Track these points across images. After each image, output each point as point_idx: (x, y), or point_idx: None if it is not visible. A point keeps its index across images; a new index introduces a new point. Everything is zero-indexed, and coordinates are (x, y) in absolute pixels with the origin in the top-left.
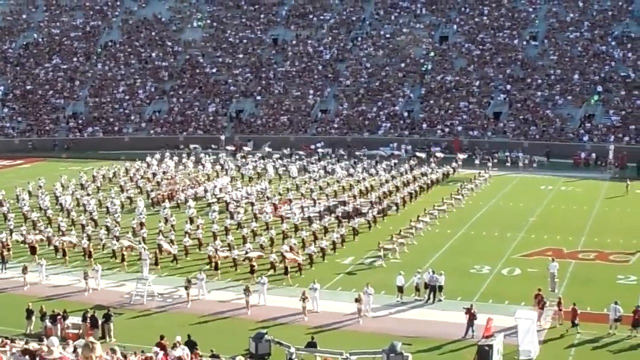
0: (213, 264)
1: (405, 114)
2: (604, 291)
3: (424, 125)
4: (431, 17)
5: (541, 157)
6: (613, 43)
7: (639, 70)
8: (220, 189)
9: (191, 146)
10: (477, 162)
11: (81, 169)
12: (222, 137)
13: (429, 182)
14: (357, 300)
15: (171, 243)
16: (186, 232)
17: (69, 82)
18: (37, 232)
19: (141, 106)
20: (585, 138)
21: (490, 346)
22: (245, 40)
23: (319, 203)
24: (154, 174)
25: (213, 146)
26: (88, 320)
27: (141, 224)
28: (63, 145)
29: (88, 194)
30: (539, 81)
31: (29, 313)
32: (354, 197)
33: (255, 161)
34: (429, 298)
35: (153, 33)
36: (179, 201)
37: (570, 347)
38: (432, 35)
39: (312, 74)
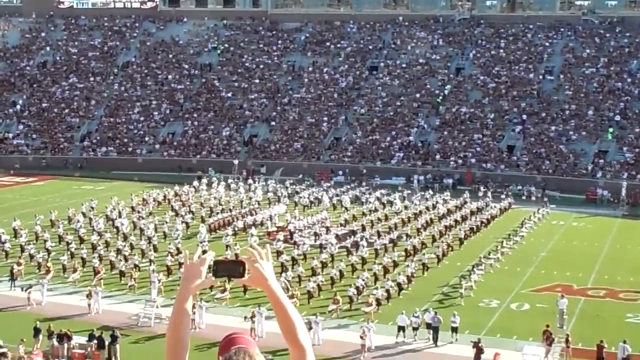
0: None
1: (419, 144)
2: (613, 329)
3: (437, 156)
4: (447, 49)
5: (553, 192)
6: (629, 80)
7: None
8: (277, 217)
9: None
10: (489, 195)
11: (132, 192)
12: (236, 162)
13: (489, 217)
14: (362, 337)
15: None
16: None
17: (85, 102)
18: (98, 255)
19: (156, 128)
20: (599, 174)
21: None
22: (261, 66)
23: (383, 236)
24: (205, 200)
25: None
26: (94, 341)
27: (177, 249)
28: (76, 164)
29: (142, 218)
30: (554, 115)
31: (36, 331)
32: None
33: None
34: (434, 340)
35: (170, 55)
36: (236, 229)
37: None
38: (448, 66)
39: (327, 101)
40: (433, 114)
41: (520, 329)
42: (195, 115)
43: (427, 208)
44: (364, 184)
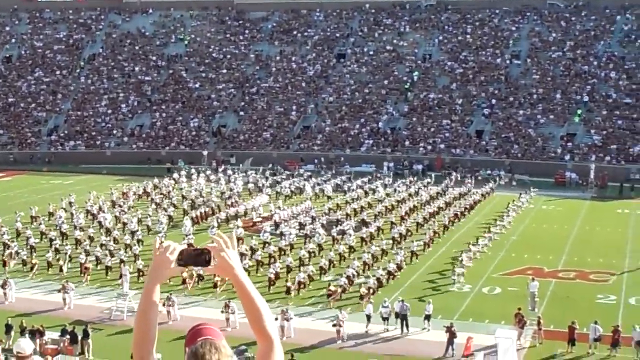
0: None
1: (388, 131)
2: (584, 310)
3: (407, 143)
4: (414, 35)
5: (522, 175)
6: (595, 63)
7: (621, 90)
8: (261, 208)
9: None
10: (458, 179)
11: (113, 186)
12: (205, 153)
13: (472, 202)
14: (335, 325)
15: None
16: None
17: (51, 96)
18: (84, 251)
19: (123, 120)
20: (567, 157)
21: None
22: (229, 56)
23: (370, 224)
24: (186, 192)
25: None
26: (67, 336)
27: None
28: (44, 159)
29: (124, 212)
30: (522, 100)
31: (8, 328)
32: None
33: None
34: (401, 328)
35: (137, 47)
36: (219, 220)
37: None
38: (416, 53)
39: (296, 90)
40: (401, 101)
41: (492, 313)
42: (163, 106)
43: (410, 195)
44: (334, 171)
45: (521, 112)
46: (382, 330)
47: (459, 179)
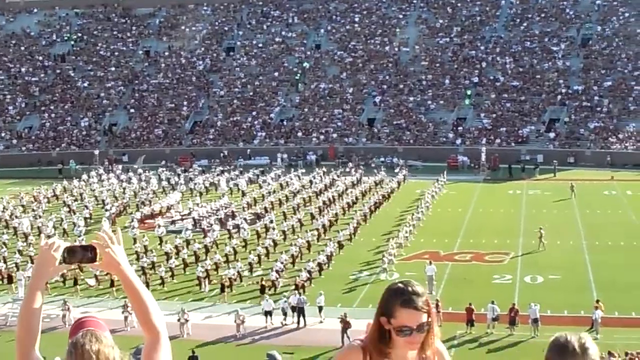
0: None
1: (281, 122)
2: (481, 291)
3: (299, 134)
4: (303, 26)
5: (415, 161)
6: (482, 47)
7: (508, 73)
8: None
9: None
10: (352, 168)
11: (20, 190)
12: (96, 152)
13: (389, 190)
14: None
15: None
16: (166, 253)
17: None
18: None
19: (12, 122)
20: (458, 141)
21: None
22: (117, 53)
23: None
24: (98, 193)
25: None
26: None
27: None
28: None
29: (39, 216)
30: (412, 86)
31: None
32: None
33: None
34: (298, 321)
35: (22, 47)
36: (135, 220)
37: (450, 349)
38: (305, 43)
39: (186, 85)
40: (293, 92)
41: None
42: (52, 107)
43: (326, 186)
44: (230, 166)
45: (411, 98)
46: (280, 324)
47: (352, 167)
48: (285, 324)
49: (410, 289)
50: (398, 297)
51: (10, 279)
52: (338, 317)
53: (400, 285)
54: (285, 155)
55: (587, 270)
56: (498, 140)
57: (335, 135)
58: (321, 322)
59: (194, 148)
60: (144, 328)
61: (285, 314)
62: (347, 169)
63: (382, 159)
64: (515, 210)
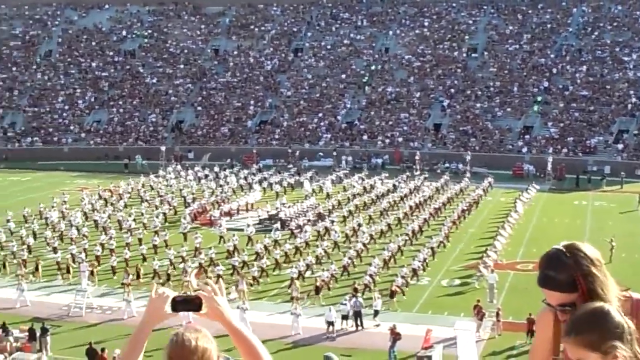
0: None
1: (346, 124)
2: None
3: (365, 137)
4: (372, 29)
5: (481, 168)
6: (552, 55)
7: (577, 82)
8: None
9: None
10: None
11: (97, 183)
12: (163, 148)
13: (476, 197)
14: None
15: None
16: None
17: (8, 92)
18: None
19: (81, 116)
20: (525, 150)
21: (429, 357)
22: (186, 51)
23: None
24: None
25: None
26: (26, 333)
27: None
28: (1, 156)
29: (119, 210)
30: (479, 93)
31: None
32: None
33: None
34: (356, 325)
35: (93, 43)
36: (212, 218)
37: (509, 358)
38: (373, 46)
39: (253, 84)
40: (359, 95)
41: (451, 305)
42: (120, 102)
43: (411, 190)
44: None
45: (478, 105)
46: (340, 329)
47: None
48: (343, 329)
49: None
50: None
51: (68, 269)
52: (388, 329)
53: None
54: (349, 158)
55: None
56: (565, 150)
57: (400, 140)
58: (377, 325)
59: (260, 147)
60: None
61: (345, 318)
62: (412, 174)
63: (447, 165)
64: (581, 220)
